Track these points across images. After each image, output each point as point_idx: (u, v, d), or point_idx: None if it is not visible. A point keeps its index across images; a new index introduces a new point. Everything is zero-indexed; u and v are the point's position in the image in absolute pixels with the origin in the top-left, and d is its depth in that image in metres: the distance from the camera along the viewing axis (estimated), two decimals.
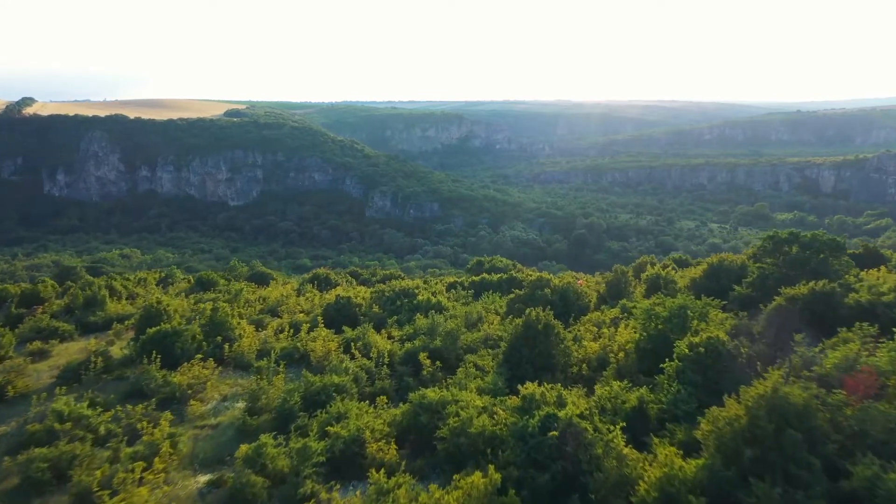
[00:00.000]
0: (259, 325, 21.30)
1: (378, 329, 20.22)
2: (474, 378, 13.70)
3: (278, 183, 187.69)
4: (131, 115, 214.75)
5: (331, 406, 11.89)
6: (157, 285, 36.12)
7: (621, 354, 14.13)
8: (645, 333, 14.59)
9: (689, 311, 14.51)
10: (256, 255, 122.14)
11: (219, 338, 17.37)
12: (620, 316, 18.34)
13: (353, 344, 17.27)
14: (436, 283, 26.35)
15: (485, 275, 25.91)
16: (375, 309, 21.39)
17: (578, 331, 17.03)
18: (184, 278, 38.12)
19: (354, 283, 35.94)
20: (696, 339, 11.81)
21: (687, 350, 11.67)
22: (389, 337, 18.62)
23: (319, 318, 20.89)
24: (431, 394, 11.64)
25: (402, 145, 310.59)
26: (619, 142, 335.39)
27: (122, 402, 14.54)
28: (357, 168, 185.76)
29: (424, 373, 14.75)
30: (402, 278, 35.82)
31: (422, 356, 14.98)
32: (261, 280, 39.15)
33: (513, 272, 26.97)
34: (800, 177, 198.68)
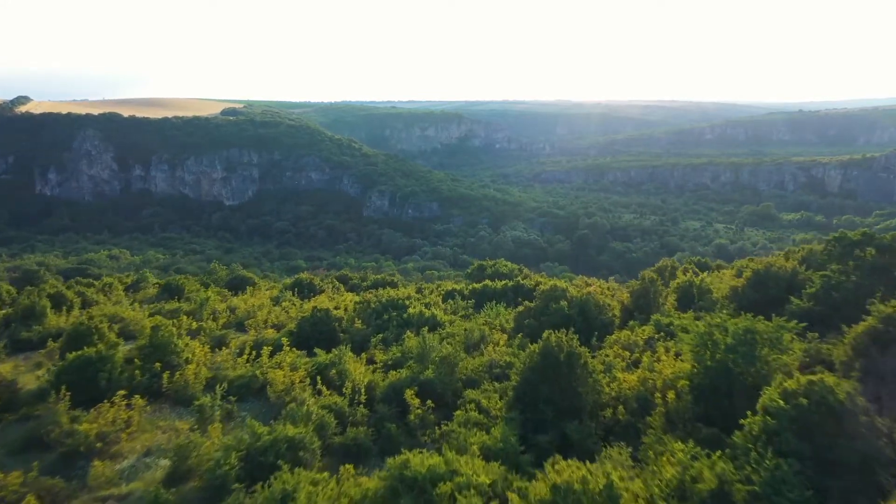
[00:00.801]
0: (221, 344, 17.88)
1: (359, 350, 16.83)
2: (477, 428, 10.29)
3: (274, 182, 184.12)
4: (127, 113, 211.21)
5: (275, 478, 8.43)
6: (125, 291, 32.75)
7: (671, 395, 10.69)
8: (699, 365, 11.17)
9: (757, 337, 11.07)
10: (250, 255, 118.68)
11: (157, 364, 13.93)
12: (656, 336, 14.91)
13: (325, 372, 13.85)
14: (430, 293, 22.90)
15: (487, 282, 22.48)
16: (358, 324, 17.97)
17: (606, 356, 13.60)
18: (155, 283, 34.69)
19: (342, 288, 32.52)
20: (793, 385, 8.35)
21: (781, 401, 8.21)
22: (371, 361, 15.20)
23: (288, 337, 17.48)
24: (417, 461, 8.22)
25: (401, 145, 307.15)
26: (619, 141, 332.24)
27: (17, 455, 11.16)
28: (355, 167, 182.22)
29: (412, 417, 11.32)
30: (395, 284, 32.44)
31: (408, 394, 11.54)
32: (240, 285, 35.76)
33: (519, 278, 23.53)
34: (805, 176, 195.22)
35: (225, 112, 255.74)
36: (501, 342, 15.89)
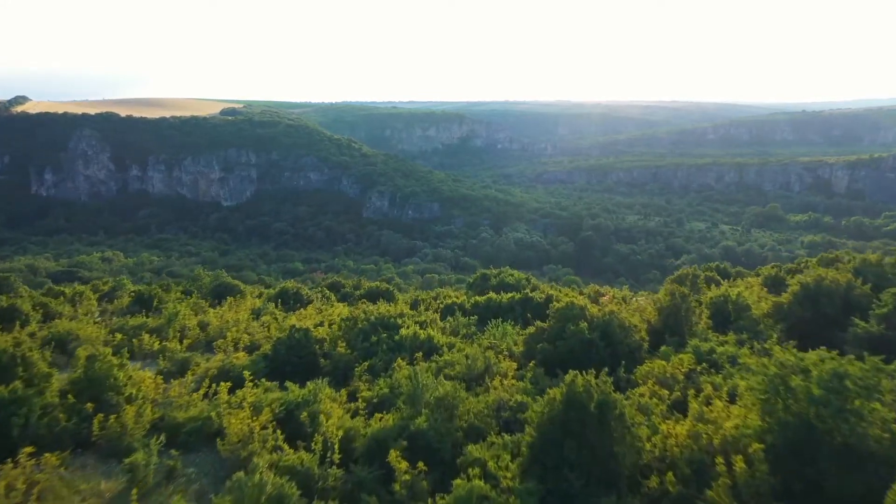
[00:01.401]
0: (183, 369, 15.30)
1: (342, 380, 14.28)
2: None
3: (273, 183, 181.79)
4: (125, 113, 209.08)
5: None
6: (99, 301, 30.20)
7: (739, 462, 8.09)
8: (770, 419, 8.60)
9: (850, 383, 8.49)
10: (247, 257, 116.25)
11: (89, 405, 11.34)
12: (698, 368, 12.31)
13: (295, 413, 11.28)
14: (427, 309, 20.27)
15: (492, 294, 19.89)
16: (341, 348, 15.37)
17: (641, 396, 11.00)
18: (132, 291, 32.07)
19: (333, 298, 29.98)
20: None
21: None
22: (353, 397, 12.63)
23: (261, 362, 14.91)
24: None
25: (401, 145, 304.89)
26: (621, 141, 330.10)
27: None
28: (354, 167, 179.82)
29: (397, 487, 8.72)
30: (391, 294, 29.92)
31: (393, 456, 8.94)
32: (225, 293, 33.22)
33: (527, 290, 20.93)
34: (811, 177, 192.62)
35: (224, 112, 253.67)
36: (510, 373, 13.32)
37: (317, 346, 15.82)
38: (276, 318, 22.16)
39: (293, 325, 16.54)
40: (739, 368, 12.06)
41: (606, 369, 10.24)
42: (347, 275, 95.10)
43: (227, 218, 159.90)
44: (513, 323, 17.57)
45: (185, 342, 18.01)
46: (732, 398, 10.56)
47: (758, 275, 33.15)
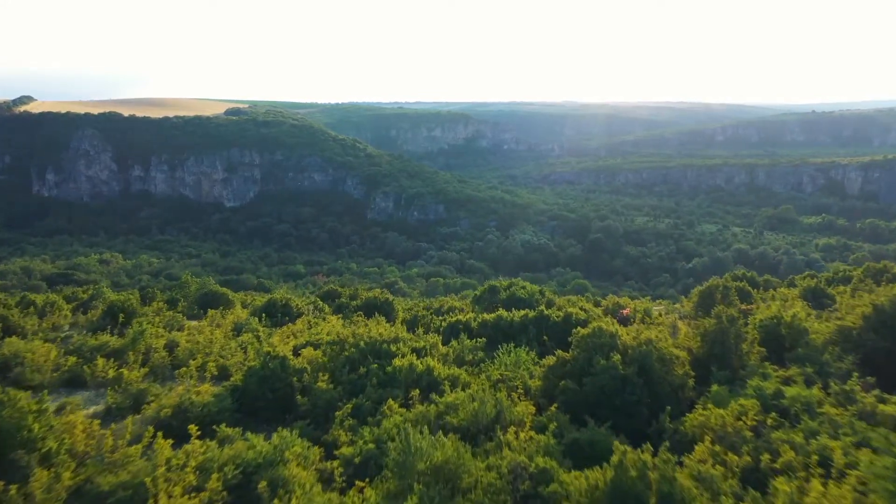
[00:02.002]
0: (138, 403, 12.82)
1: (321, 422, 11.82)
2: None
3: (276, 183, 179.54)
4: (129, 113, 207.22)
5: None
6: (74, 311, 27.78)
7: None
8: None
9: None
10: (248, 259, 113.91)
11: None
12: (767, 421, 9.69)
13: (253, 479, 8.75)
14: (427, 330, 17.65)
15: (501, 311, 17.31)
16: (322, 382, 12.81)
17: (702, 463, 8.39)
18: (111, 301, 29.58)
19: (326, 310, 27.50)
20: None
21: None
22: (330, 453, 10.09)
23: (228, 397, 12.44)
24: None
25: (407, 145, 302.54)
26: (629, 142, 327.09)
27: None
28: (359, 168, 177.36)
29: None
30: (390, 307, 27.40)
31: None
32: (212, 303, 30.81)
33: (542, 306, 18.33)
34: (824, 178, 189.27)
35: (228, 112, 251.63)
36: (527, 420, 10.77)
37: (294, 379, 13.29)
38: (257, 338, 19.62)
39: (268, 352, 14.04)
40: (821, 422, 9.46)
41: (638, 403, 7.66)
42: (350, 278, 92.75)
43: (230, 219, 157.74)
44: (527, 348, 14.99)
45: (142, 370, 15.49)
46: (823, 466, 7.98)
47: (792, 285, 30.43)
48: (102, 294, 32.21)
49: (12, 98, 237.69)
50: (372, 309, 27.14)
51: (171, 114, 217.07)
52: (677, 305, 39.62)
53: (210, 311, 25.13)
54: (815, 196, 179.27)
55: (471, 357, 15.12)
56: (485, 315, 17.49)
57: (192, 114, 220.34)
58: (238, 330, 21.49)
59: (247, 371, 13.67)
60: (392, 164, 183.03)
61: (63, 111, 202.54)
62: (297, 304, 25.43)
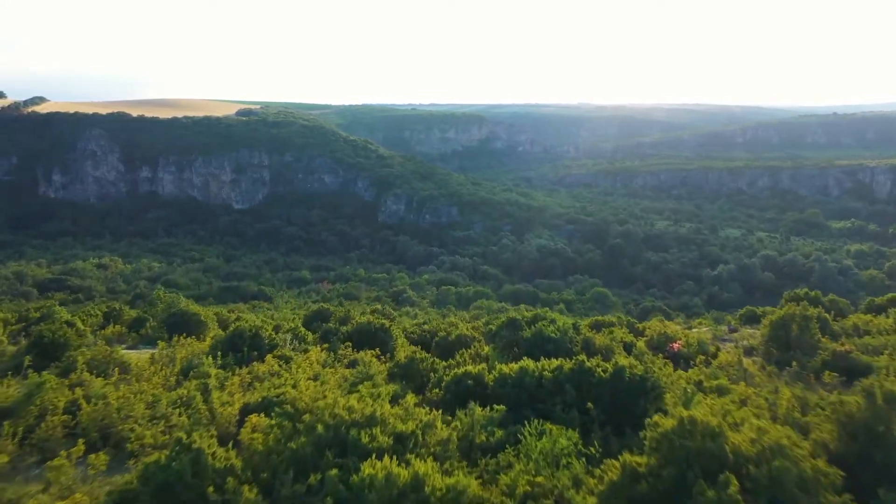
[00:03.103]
0: None
1: None
2: None
3: (286, 185, 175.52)
4: (136, 113, 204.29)
5: None
6: (12, 337, 23.36)
7: None
8: None
9: None
10: (252, 264, 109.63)
11: None
12: None
13: None
14: (425, 393, 12.88)
15: (526, 363, 12.57)
16: (250, 494, 8.07)
17: None
18: (39, 331, 25.05)
19: (309, 338, 22.90)
20: None
21: None
22: None
23: None
24: None
25: (420, 147, 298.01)
26: (646, 144, 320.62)
27: None
28: (370, 169, 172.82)
29: None
30: (387, 333, 22.77)
31: None
32: (180, 326, 26.36)
33: (580, 353, 13.54)
34: (851, 181, 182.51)
35: (240, 113, 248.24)
36: None
37: (210, 489, 8.58)
38: (204, 388, 14.84)
39: (180, 440, 9.39)
40: None
41: None
42: (356, 285, 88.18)
43: (238, 221, 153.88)
44: (566, 428, 10.23)
45: (41, 433, 10.90)
46: None
47: (873, 310, 25.42)
48: (53, 314, 27.74)
49: (23, 99, 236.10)
50: (365, 338, 22.45)
51: (179, 114, 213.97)
52: (723, 328, 34.52)
53: (175, 338, 20.54)
54: (843, 199, 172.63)
55: (484, 439, 10.41)
56: (504, 367, 12.70)
57: (201, 114, 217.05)
58: (186, 372, 16.83)
59: (143, 470, 8.98)
60: (404, 166, 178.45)
61: (71, 111, 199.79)
62: (271, 336, 20.68)
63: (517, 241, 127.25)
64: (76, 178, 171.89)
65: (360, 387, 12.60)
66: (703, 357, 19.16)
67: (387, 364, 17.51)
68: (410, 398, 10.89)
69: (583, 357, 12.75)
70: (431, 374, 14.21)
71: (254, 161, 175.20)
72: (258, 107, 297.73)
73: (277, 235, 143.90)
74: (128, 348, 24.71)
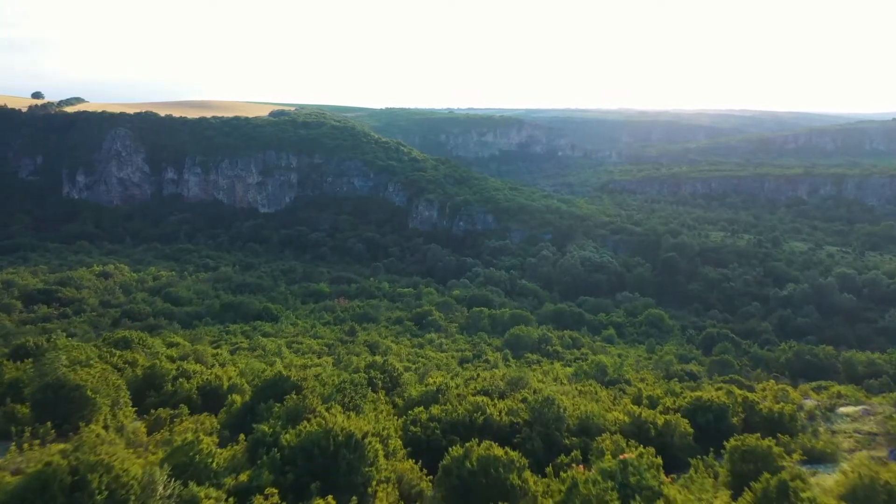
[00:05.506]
0: None
1: None
2: None
3: (314, 188, 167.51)
4: (165, 113, 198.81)
5: None
6: None
7: None
8: None
9: None
10: (269, 274, 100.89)
11: None
12: None
13: None
14: None
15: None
16: None
17: None
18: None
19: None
20: None
21: None
22: None
23: None
24: None
25: (457, 150, 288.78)
26: (692, 150, 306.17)
27: None
28: (401, 173, 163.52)
29: None
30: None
31: None
32: (54, 405, 16.90)
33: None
34: None
35: (273, 114, 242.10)
36: None
37: None
38: None
39: None
40: None
41: None
42: (376, 304, 78.76)
43: (262, 226, 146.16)
44: None
45: None
46: None
47: None
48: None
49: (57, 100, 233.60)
50: (318, 464, 12.67)
51: (208, 114, 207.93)
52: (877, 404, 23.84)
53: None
54: None
55: None
56: None
57: (232, 115, 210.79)
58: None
59: None
60: (437, 169, 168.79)
61: (99, 111, 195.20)
62: (125, 478, 10.95)
63: (557, 252, 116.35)
64: (100, 179, 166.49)
65: None
66: None
67: None
68: None
69: None
70: None
71: (281, 163, 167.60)
72: (292, 108, 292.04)
73: (303, 242, 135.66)
74: None
